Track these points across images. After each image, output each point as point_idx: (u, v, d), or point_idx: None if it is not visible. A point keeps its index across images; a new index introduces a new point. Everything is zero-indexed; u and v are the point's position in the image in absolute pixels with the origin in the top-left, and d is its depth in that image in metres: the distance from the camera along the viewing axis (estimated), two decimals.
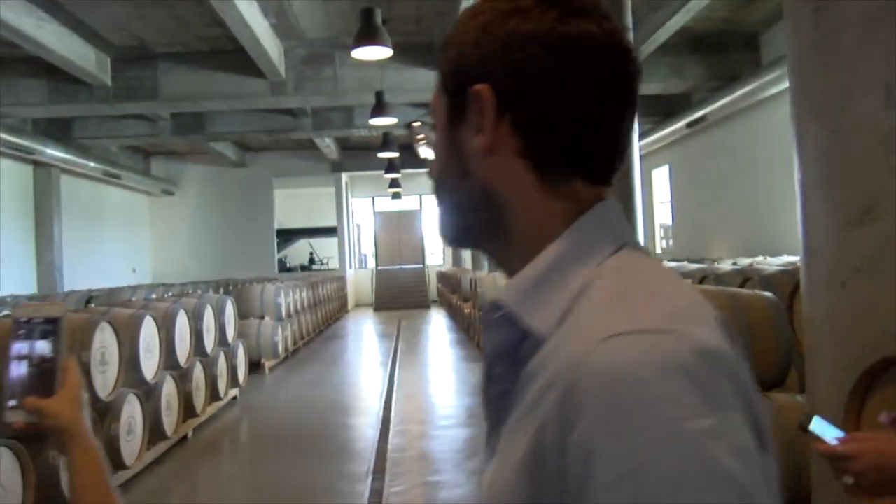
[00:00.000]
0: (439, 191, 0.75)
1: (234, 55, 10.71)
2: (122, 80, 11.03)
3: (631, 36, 5.08)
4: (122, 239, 18.65)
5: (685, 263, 8.76)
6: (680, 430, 0.50)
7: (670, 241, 17.88)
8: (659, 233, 18.78)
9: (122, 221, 18.69)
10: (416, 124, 0.82)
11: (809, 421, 1.41)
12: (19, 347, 0.99)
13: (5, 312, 7.08)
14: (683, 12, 9.13)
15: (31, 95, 10.89)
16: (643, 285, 0.61)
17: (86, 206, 16.41)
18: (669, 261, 12.64)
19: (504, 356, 0.65)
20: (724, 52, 11.55)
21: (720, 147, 13.83)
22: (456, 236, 0.77)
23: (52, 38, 9.28)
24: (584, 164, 0.67)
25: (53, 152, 13.29)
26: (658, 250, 18.39)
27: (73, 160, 14.11)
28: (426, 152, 0.79)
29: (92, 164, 14.98)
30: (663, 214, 18.36)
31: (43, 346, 0.99)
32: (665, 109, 14.30)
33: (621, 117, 0.68)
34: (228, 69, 11.15)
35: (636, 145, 5.61)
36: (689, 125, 13.56)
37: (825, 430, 1.38)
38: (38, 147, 12.76)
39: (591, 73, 0.65)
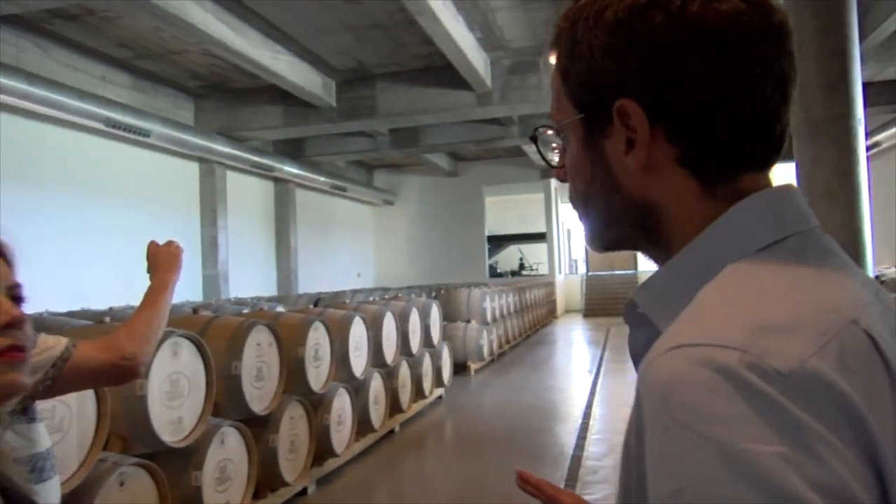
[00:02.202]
0: (586, 205, 0.70)
1: (444, 70, 11.25)
2: (346, 101, 12.07)
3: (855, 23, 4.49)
4: (348, 246, 20.29)
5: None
6: (735, 451, 0.45)
7: None
8: None
9: (348, 230, 20.33)
10: (543, 131, 0.76)
11: None
12: None
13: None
14: None
15: (271, 120, 12.32)
16: (749, 294, 0.54)
17: (317, 216, 18.10)
18: None
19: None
20: None
21: None
22: (607, 246, 0.72)
23: (286, 67, 10.42)
24: (746, 156, 0.62)
25: (290, 169, 14.85)
26: None
27: (306, 175, 15.66)
28: (555, 159, 0.75)
29: (322, 178, 16.51)
30: None
31: None
32: None
33: (782, 96, 0.62)
34: (439, 84, 11.73)
35: (862, 140, 5.02)
36: None
37: None
38: (277, 165, 14.33)
39: (743, 59, 0.59)
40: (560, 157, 0.72)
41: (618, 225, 0.68)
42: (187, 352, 3.83)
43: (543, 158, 0.78)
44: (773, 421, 0.45)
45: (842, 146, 4.91)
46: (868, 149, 12.01)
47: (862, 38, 7.89)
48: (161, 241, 1.84)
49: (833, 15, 4.92)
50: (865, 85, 5.62)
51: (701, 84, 0.59)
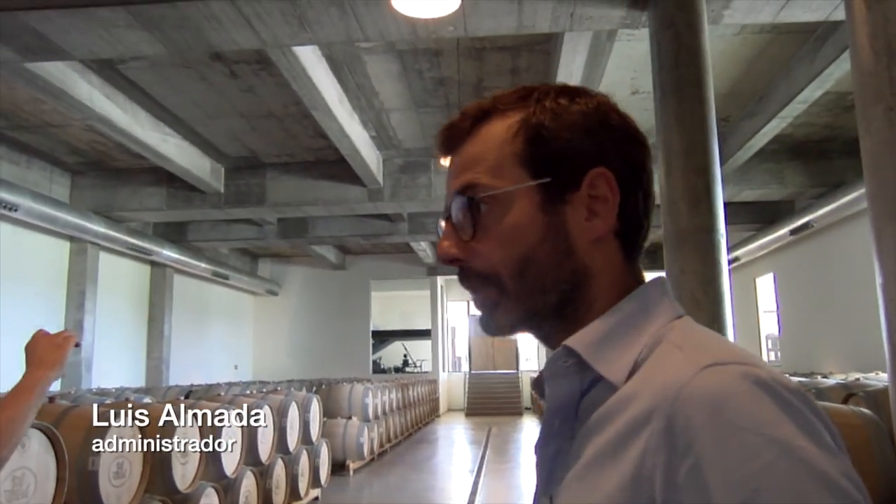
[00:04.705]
0: (523, 270, 0.69)
1: (335, 164, 11.38)
2: (234, 188, 11.89)
3: (716, 144, 4.98)
4: (226, 336, 19.46)
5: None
6: (796, 450, 0.50)
7: (778, 353, 16.84)
8: (766, 344, 17.74)
9: (226, 319, 19.56)
10: (473, 194, 0.72)
11: None
12: None
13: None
14: (778, 119, 9.01)
15: (152, 202, 11.90)
16: (712, 339, 0.63)
17: (194, 304, 17.34)
18: None
19: (565, 409, 0.66)
20: (827, 159, 11.20)
21: (829, 254, 13.17)
22: (525, 317, 0.72)
23: (174, 150, 10.20)
24: (643, 240, 0.75)
25: (169, 253, 14.28)
26: None
27: (186, 261, 15.09)
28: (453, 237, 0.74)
29: (203, 264, 15.95)
30: (769, 324, 17.40)
31: None
32: (767, 216, 13.87)
33: None
34: (330, 177, 11.82)
35: (724, 253, 5.43)
36: (793, 232, 13.06)
37: None
38: (156, 248, 13.75)
39: (650, 163, 0.75)
40: (463, 231, 0.73)
41: (552, 291, 0.70)
42: (37, 444, 3.47)
43: (453, 228, 0.74)
44: (804, 426, 0.52)
45: (706, 257, 5.29)
46: (729, 262, 13.05)
47: (722, 161, 8.72)
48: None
49: (697, 137, 5.41)
50: (726, 204, 6.16)
51: (642, 172, 0.73)
